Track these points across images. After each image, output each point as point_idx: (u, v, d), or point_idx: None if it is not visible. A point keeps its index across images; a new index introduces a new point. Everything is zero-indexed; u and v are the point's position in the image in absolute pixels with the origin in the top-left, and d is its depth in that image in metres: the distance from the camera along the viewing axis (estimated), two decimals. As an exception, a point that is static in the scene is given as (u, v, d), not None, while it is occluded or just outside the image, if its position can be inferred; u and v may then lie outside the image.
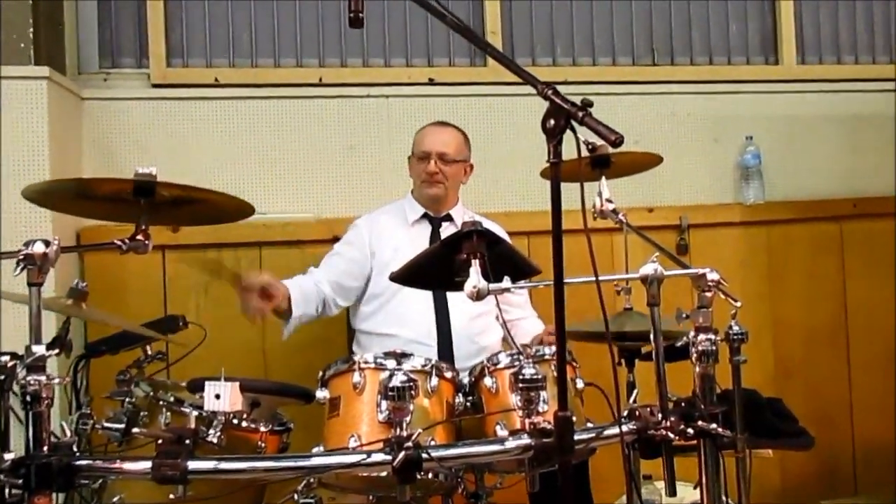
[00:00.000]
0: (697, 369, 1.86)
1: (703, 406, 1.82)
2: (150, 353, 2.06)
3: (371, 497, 1.96)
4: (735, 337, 1.95)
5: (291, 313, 2.47)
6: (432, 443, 1.78)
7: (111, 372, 2.01)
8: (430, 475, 1.78)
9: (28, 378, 1.55)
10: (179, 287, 3.01)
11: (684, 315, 1.87)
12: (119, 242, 1.75)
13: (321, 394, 1.90)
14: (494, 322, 2.66)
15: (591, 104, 1.44)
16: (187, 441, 1.63)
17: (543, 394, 1.81)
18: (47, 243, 1.59)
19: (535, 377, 1.80)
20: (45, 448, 1.57)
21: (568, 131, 1.43)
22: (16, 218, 2.61)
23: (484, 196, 3.24)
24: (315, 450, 1.82)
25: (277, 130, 3.20)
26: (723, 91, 3.59)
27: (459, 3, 3.39)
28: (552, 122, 1.43)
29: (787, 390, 3.11)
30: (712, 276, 1.85)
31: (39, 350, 1.56)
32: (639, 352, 2.24)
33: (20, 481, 1.53)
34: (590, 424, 1.88)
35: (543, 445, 1.70)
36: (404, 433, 1.69)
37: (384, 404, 1.78)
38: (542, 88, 1.46)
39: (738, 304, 1.91)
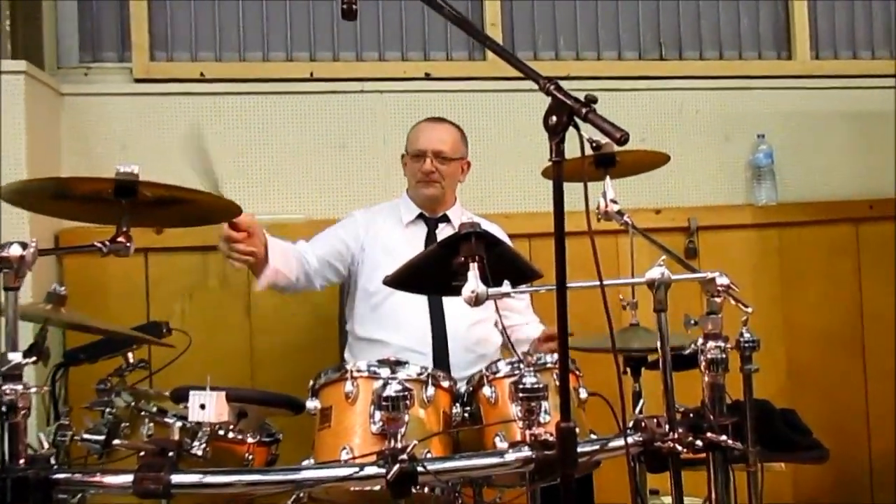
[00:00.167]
0: (707, 378, 1.87)
1: (712, 417, 1.82)
2: (131, 361, 2.06)
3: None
4: (746, 344, 1.96)
5: (266, 263, 2.38)
6: (428, 455, 1.78)
7: (91, 381, 2.00)
8: (425, 489, 1.77)
9: (4, 387, 1.55)
10: (163, 292, 3.01)
11: (693, 321, 1.88)
12: (99, 245, 1.75)
13: (311, 404, 1.90)
14: (493, 329, 2.66)
15: (595, 100, 1.44)
16: (171, 453, 1.63)
17: (545, 404, 1.81)
18: (24, 245, 1.59)
19: (536, 386, 1.80)
20: (22, 461, 1.56)
21: (571, 128, 1.43)
22: (-9, 219, 2.62)
23: (483, 196, 3.24)
24: (305, 462, 1.82)
25: (266, 128, 3.20)
26: (733, 87, 3.59)
27: (457, -6, 3.40)
28: (554, 118, 1.43)
29: (801, 400, 3.11)
30: (722, 280, 1.86)
31: (16, 358, 1.56)
32: (645, 360, 2.25)
33: (-5, 496, 1.52)
34: (594, 436, 1.88)
35: (545, 458, 1.70)
36: (399, 445, 1.69)
37: (378, 415, 1.78)
38: (543, 83, 1.46)
39: (750, 309, 1.91)
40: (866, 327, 3.55)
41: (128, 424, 1.89)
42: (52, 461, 1.61)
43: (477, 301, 1.66)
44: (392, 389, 1.73)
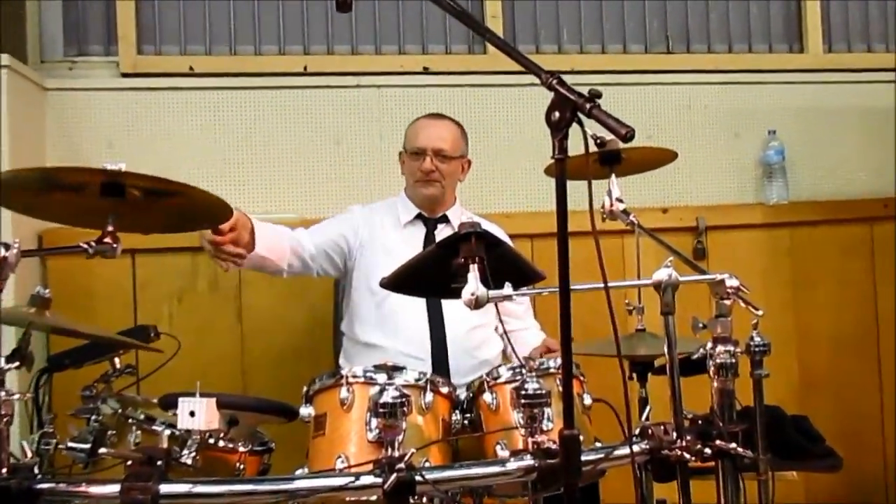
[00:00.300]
0: (716, 384, 1.87)
1: (721, 424, 1.82)
2: (118, 366, 2.06)
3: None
4: (756, 349, 1.95)
5: (252, 248, 2.34)
6: (427, 464, 1.78)
7: (76, 387, 2.00)
8: (424, 500, 1.77)
9: (-15, 394, 1.55)
10: (151, 294, 3.01)
11: (701, 325, 1.88)
12: (85, 245, 1.75)
13: (305, 411, 1.90)
14: (494, 334, 2.66)
15: (599, 95, 1.44)
16: (159, 462, 1.62)
17: (548, 410, 1.81)
18: (7, 247, 1.59)
19: (538, 392, 1.80)
20: (4, 470, 1.56)
21: (574, 125, 1.44)
22: (-29, 220, 2.62)
23: (483, 195, 3.25)
24: (299, 472, 1.82)
25: (258, 124, 3.20)
26: (743, 81, 3.60)
27: (457, -14, 3.40)
28: (557, 114, 1.43)
29: (814, 406, 3.12)
30: (732, 282, 1.86)
31: (-2, 363, 1.56)
32: (652, 365, 2.25)
33: (-24, 507, 1.52)
34: (598, 444, 1.88)
35: (548, 467, 1.70)
36: (396, 454, 1.68)
37: (374, 422, 1.78)
38: (546, 78, 1.47)
39: (760, 312, 1.91)
40: (881, 330, 3.55)
41: (114, 432, 1.89)
42: (36, 470, 1.61)
43: (477, 304, 1.66)
44: (389, 396, 1.73)
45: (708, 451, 1.79)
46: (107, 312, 2.93)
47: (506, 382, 1.93)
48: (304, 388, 1.94)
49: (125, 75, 3.17)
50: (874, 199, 3.59)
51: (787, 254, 3.53)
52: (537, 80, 1.48)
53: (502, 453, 1.83)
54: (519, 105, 3.35)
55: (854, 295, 3.54)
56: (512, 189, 3.33)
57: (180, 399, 1.74)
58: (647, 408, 2.10)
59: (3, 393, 1.55)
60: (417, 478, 1.64)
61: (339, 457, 1.78)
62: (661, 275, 1.80)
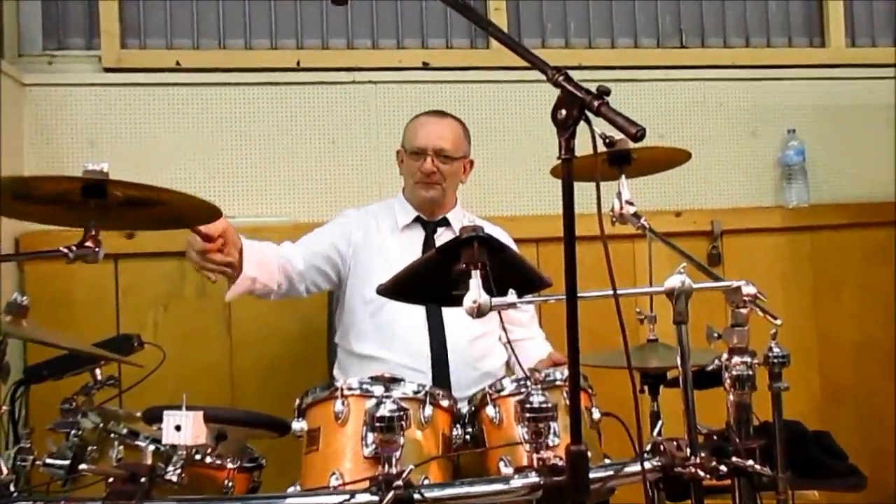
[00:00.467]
0: (732, 397, 1.87)
1: (738, 440, 1.82)
2: (99, 378, 2.05)
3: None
4: (775, 360, 1.96)
5: (241, 271, 2.34)
6: (426, 481, 1.78)
7: (55, 400, 2.00)
8: (423, 519, 1.77)
9: (-41, 407, 1.55)
10: (134, 301, 3.01)
11: (716, 334, 1.88)
12: (65, 250, 1.75)
13: (298, 425, 1.90)
14: (497, 344, 2.66)
15: (608, 92, 1.44)
16: (142, 479, 1.63)
17: (554, 425, 1.81)
18: (-18, 251, 1.59)
19: (544, 406, 1.80)
20: (-22, 488, 1.56)
21: (582, 123, 1.44)
22: (-55, 222, 2.63)
23: (486, 197, 3.25)
24: (291, 489, 1.82)
25: (248, 122, 3.20)
26: (761, 77, 3.61)
27: (458, -24, 3.41)
28: (564, 112, 1.43)
29: (836, 421, 3.12)
30: (748, 289, 1.86)
31: (-28, 374, 1.56)
32: (664, 377, 2.25)
33: (-51, 526, 1.52)
34: (608, 461, 1.88)
35: (554, 485, 1.70)
36: (394, 470, 1.68)
37: (371, 437, 1.78)
38: (552, 74, 1.47)
39: (779, 321, 1.92)
40: (908, 341, 3.55)
41: (95, 448, 1.89)
42: (12, 488, 1.61)
43: (479, 312, 1.66)
44: (386, 409, 1.73)
45: (723, 468, 1.79)
46: (88, 320, 2.93)
47: (510, 395, 1.93)
48: (297, 401, 1.94)
49: (108, 70, 3.17)
50: (899, 201, 3.59)
51: (808, 259, 3.53)
52: (543, 77, 1.49)
53: (506, 470, 1.83)
54: (523, 102, 3.35)
55: (879, 302, 3.54)
56: (516, 191, 3.34)
57: (165, 412, 1.74)
58: (659, 422, 2.09)
59: (-23, 406, 1.55)
60: (416, 496, 1.64)
61: (334, 473, 1.78)
62: (674, 282, 1.80)
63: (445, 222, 2.73)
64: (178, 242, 2.80)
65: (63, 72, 3.17)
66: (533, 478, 1.73)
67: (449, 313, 2.57)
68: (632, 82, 3.45)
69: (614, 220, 2.22)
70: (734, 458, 1.80)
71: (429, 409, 1.88)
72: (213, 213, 1.92)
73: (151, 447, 1.76)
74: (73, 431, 1.91)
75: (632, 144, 1.52)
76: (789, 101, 3.60)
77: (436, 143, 2.65)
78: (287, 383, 2.84)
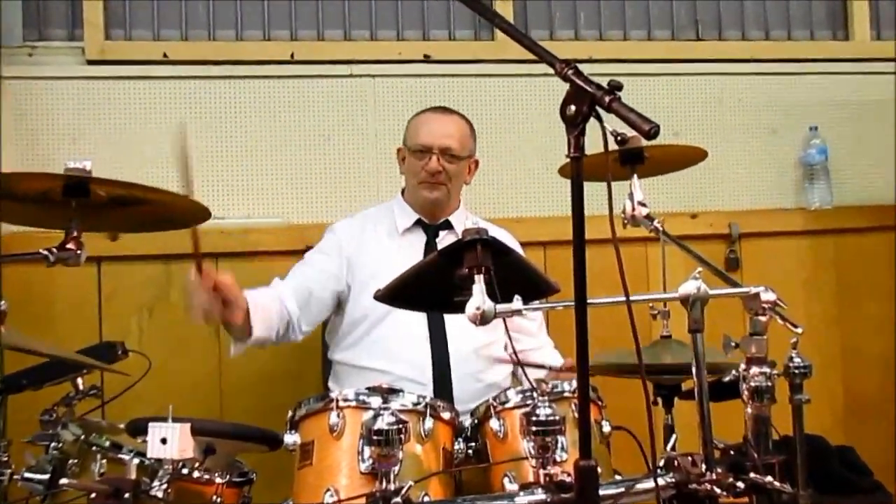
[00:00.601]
0: (750, 410, 1.87)
1: (756, 455, 1.82)
2: (81, 387, 2.06)
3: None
4: (796, 370, 1.95)
5: (249, 334, 2.39)
6: (426, 498, 1.78)
7: (34, 411, 2.01)
8: (422, 538, 1.77)
9: (-68, 417, 1.55)
10: (118, 307, 3.02)
11: (734, 343, 1.88)
12: (46, 252, 1.76)
13: (290, 438, 1.90)
14: (502, 353, 2.66)
15: (620, 87, 1.44)
16: (126, 495, 1.63)
17: (562, 439, 1.81)
18: (-43, 253, 1.59)
19: (551, 419, 1.79)
20: (-47, 503, 1.56)
21: (592, 120, 1.44)
22: (-81, 222, 2.63)
23: (490, 198, 3.25)
24: (283, 507, 1.82)
25: (239, 118, 3.21)
26: (781, 72, 3.61)
27: (461, -36, 3.41)
28: (573, 108, 1.43)
29: (860, 436, 3.11)
30: (768, 296, 1.86)
31: (-53, 383, 1.56)
32: (679, 388, 2.25)
33: (-79, 544, 1.52)
34: (618, 477, 1.88)
35: (562, 502, 1.70)
36: (392, 487, 1.68)
37: (367, 451, 1.77)
38: (561, 68, 1.47)
39: (800, 330, 1.92)
40: (936, 351, 3.55)
41: (76, 462, 1.89)
42: (-11, 504, 1.61)
43: (483, 319, 1.66)
44: (384, 422, 1.73)
45: (741, 485, 1.78)
46: (69, 327, 2.94)
47: (515, 407, 1.93)
48: (289, 413, 1.94)
49: (91, 62, 3.18)
50: (928, 203, 3.59)
51: (831, 264, 3.53)
52: (551, 70, 1.49)
53: (511, 487, 1.82)
54: (530, 98, 3.36)
55: (906, 311, 3.54)
56: (522, 191, 3.34)
57: (150, 424, 1.74)
58: (673, 436, 2.09)
59: (-48, 417, 1.56)
60: (415, 514, 1.64)
61: (328, 490, 1.78)
62: (689, 288, 1.80)
63: (448, 225, 2.73)
64: (164, 245, 2.82)
65: (44, 64, 3.17)
66: (539, 495, 1.72)
67: (451, 321, 2.57)
68: (645, 76, 3.45)
69: (626, 222, 2.23)
70: (752, 475, 1.79)
71: (429, 422, 1.88)
72: (199, 214, 1.92)
73: (136, 461, 1.76)
74: (53, 444, 1.91)
75: (645, 142, 1.52)
76: (811, 97, 3.60)
77: (442, 141, 2.64)
78: (279, 394, 2.84)
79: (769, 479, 1.80)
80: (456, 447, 1.94)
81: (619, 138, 1.49)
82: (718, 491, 1.77)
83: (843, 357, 3.48)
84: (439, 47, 3.41)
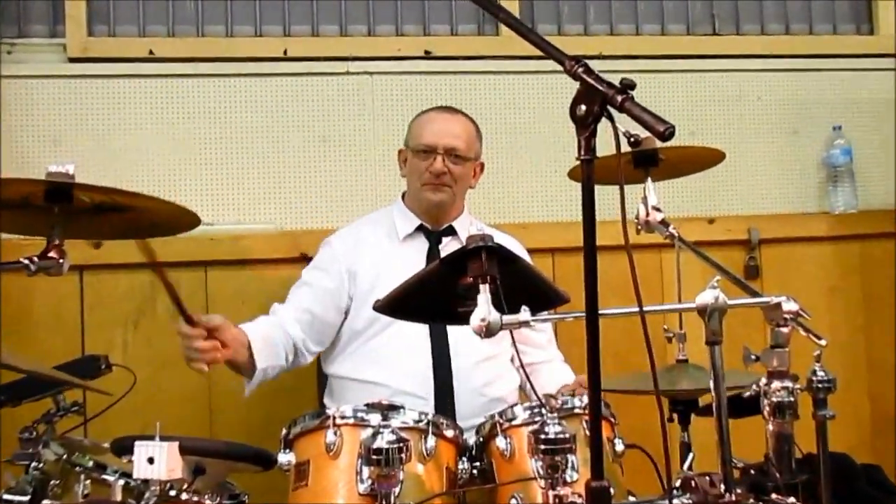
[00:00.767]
0: (771, 427, 1.86)
1: (778, 475, 1.82)
2: (63, 404, 2.06)
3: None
4: (820, 385, 1.95)
5: (254, 367, 2.41)
6: (428, 521, 1.78)
7: (13, 429, 2.01)
8: (425, 563, 1.78)
9: None
10: (102, 318, 3.01)
11: (754, 356, 1.88)
12: (26, 261, 1.76)
13: (284, 458, 1.90)
14: (509, 366, 2.66)
15: (633, 85, 1.44)
16: (111, 518, 1.63)
17: (572, 458, 1.81)
18: (-67, 262, 1.60)
19: (561, 437, 1.80)
20: (-72, 527, 1.57)
21: (604, 120, 1.44)
22: None
23: (496, 203, 3.25)
24: (276, 530, 1.82)
25: (230, 118, 3.21)
26: (803, 68, 3.61)
27: (464, -44, 3.42)
28: (583, 108, 1.44)
29: (888, 454, 3.11)
30: (790, 305, 1.85)
31: (-79, 400, 1.56)
32: (695, 404, 2.25)
33: None
34: (632, 498, 1.88)
35: (572, 525, 1.70)
36: (392, 509, 1.69)
37: (366, 471, 1.78)
38: (570, 65, 1.47)
39: (824, 342, 1.91)
40: (968, 364, 3.54)
41: (58, 482, 1.89)
42: (-34, 527, 1.61)
43: (489, 331, 1.66)
44: (384, 440, 1.74)
45: (762, 506, 1.79)
46: (50, 339, 2.94)
47: (522, 424, 1.93)
48: (283, 431, 1.95)
49: (73, 60, 3.18)
50: (959, 207, 3.59)
51: (857, 272, 3.52)
52: (559, 68, 1.49)
53: (518, 509, 1.83)
54: (538, 96, 3.36)
55: (936, 321, 3.54)
56: (530, 195, 3.34)
57: (136, 443, 1.74)
58: (690, 455, 2.10)
59: (-73, 435, 1.56)
60: (417, 538, 1.64)
61: (325, 512, 1.78)
62: (707, 297, 1.80)
63: (451, 231, 2.73)
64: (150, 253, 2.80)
65: (24, 62, 3.17)
66: (548, 517, 1.73)
67: (455, 333, 2.57)
68: (659, 74, 3.45)
69: (640, 227, 2.23)
70: (774, 496, 1.79)
71: (431, 440, 1.88)
72: (188, 220, 1.92)
73: (121, 482, 1.76)
74: (33, 464, 1.91)
75: (659, 144, 1.52)
76: (835, 94, 3.60)
77: (447, 142, 2.65)
78: (272, 411, 2.83)
79: (792, 500, 1.80)
80: (460, 467, 1.94)
81: (632, 139, 1.49)
82: (738, 513, 1.78)
83: (870, 370, 3.47)
84: (441, 43, 3.41)
